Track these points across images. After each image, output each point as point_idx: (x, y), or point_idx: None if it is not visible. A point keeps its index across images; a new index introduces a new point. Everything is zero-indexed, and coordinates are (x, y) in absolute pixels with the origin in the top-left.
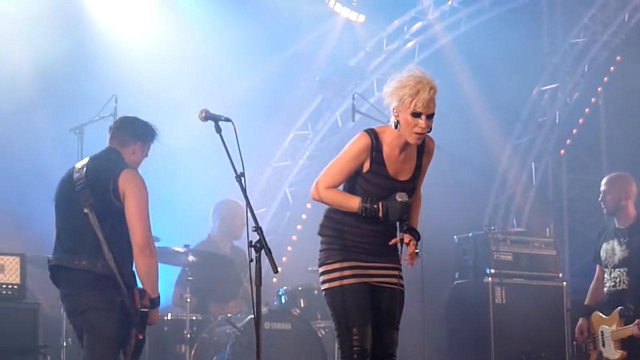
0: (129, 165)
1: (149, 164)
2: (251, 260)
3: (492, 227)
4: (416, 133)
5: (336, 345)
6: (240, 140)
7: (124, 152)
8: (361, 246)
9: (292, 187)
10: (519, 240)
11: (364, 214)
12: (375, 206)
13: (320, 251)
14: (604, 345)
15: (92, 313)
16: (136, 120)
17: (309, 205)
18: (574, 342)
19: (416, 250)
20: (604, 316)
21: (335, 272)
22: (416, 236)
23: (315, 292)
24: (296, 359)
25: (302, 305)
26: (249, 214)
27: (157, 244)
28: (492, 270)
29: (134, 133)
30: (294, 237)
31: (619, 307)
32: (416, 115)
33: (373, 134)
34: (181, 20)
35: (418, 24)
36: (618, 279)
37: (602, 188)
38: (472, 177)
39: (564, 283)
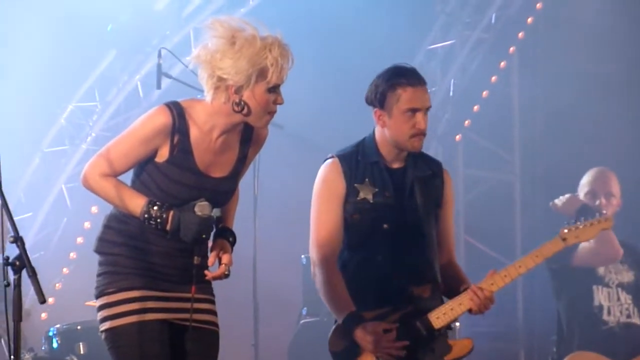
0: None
1: None
2: (7, 285)
3: None
4: (271, 113)
5: None
6: None
7: None
8: (160, 270)
9: (71, 182)
10: None
11: (146, 223)
12: (164, 215)
13: (99, 275)
14: None
15: None
16: None
17: (94, 209)
18: None
19: (226, 272)
20: None
21: (127, 304)
22: (231, 240)
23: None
24: None
25: (82, 351)
26: (6, 219)
27: None
28: None
29: None
30: (72, 255)
31: None
32: (274, 89)
33: (177, 110)
34: None
35: None
36: None
37: None
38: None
39: None
